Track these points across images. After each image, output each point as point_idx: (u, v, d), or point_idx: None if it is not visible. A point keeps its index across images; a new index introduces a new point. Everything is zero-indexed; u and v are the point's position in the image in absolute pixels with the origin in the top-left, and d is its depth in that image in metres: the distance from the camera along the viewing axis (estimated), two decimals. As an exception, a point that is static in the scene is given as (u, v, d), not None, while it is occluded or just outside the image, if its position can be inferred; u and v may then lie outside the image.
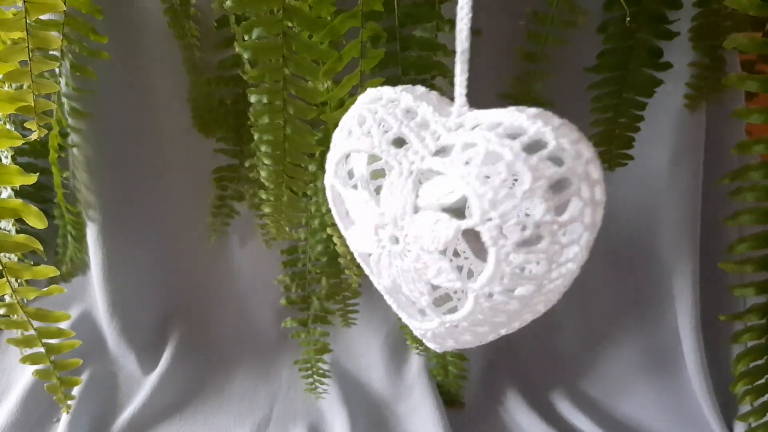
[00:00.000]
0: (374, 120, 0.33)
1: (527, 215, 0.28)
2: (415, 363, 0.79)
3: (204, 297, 0.86)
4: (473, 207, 0.28)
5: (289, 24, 0.47)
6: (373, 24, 0.47)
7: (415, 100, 0.33)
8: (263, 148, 0.54)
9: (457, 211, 0.31)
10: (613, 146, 0.65)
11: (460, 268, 0.37)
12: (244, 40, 0.48)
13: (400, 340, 0.76)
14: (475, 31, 0.56)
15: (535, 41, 0.59)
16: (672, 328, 0.76)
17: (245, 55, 0.49)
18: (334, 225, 0.59)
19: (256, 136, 0.54)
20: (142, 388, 0.77)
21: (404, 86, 0.35)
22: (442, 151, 0.31)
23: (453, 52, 0.54)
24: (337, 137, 0.36)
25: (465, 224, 0.29)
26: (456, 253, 0.41)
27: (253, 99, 0.51)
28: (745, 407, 0.55)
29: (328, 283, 0.71)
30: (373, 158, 0.35)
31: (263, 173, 0.57)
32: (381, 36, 0.49)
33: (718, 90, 0.65)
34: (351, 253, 0.64)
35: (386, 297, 0.38)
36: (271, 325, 0.84)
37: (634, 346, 0.79)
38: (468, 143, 0.29)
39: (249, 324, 0.85)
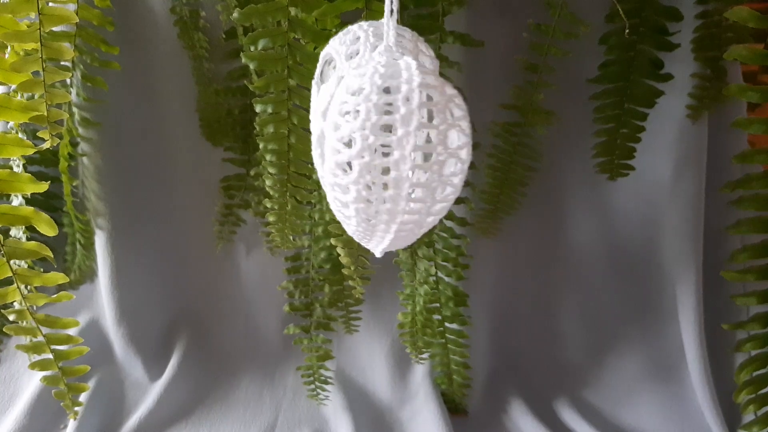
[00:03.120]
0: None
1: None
2: (419, 371, 0.80)
3: (210, 304, 0.87)
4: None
5: (294, 35, 0.49)
6: (377, 36, 0.48)
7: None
8: (268, 157, 0.55)
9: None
10: (615, 156, 0.65)
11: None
12: (250, 51, 0.49)
13: (404, 348, 0.76)
14: (478, 42, 0.57)
15: (537, 52, 0.60)
16: (675, 337, 0.76)
17: (251, 66, 0.50)
18: (337, 234, 0.60)
19: (261, 145, 0.55)
20: (148, 395, 0.78)
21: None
22: None
23: (456, 63, 0.56)
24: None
25: None
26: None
27: (258, 109, 0.52)
28: (748, 416, 0.55)
29: (331, 290, 0.72)
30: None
31: (268, 182, 0.58)
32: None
33: (720, 100, 0.66)
34: (354, 263, 0.64)
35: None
36: (277, 332, 0.84)
37: (638, 355, 0.79)
38: None
39: (255, 331, 0.86)
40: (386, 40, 0.38)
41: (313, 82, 0.43)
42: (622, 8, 0.55)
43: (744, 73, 0.69)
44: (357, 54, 0.40)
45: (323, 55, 0.42)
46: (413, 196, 0.37)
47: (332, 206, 0.41)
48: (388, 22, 0.39)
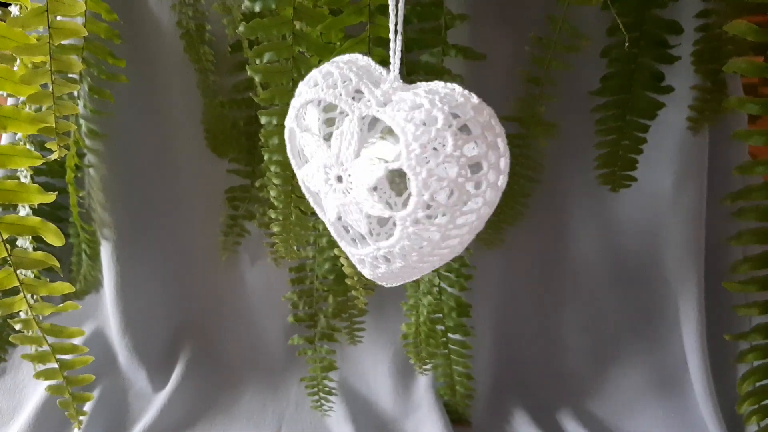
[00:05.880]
0: (339, 74, 0.38)
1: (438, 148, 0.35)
2: (422, 382, 0.80)
3: (215, 315, 0.87)
4: (401, 141, 0.35)
5: (299, 49, 0.49)
6: (380, 50, 0.49)
7: (370, 62, 0.41)
8: (273, 168, 0.56)
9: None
10: (616, 168, 0.66)
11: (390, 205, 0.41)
12: (256, 64, 0.50)
13: (407, 359, 0.76)
14: (480, 55, 0.58)
15: (539, 65, 0.60)
16: (678, 347, 0.76)
17: (256, 78, 0.51)
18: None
19: (266, 157, 0.55)
20: (152, 405, 0.78)
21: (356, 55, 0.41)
22: (387, 104, 0.37)
23: (458, 76, 0.56)
24: (303, 87, 0.41)
25: (391, 165, 0.36)
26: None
27: (263, 120, 0.53)
28: (751, 427, 0.55)
29: (335, 300, 0.72)
30: (328, 108, 0.41)
31: (272, 192, 0.58)
32: (387, 61, 0.50)
33: (721, 112, 0.66)
34: (358, 273, 0.65)
35: (331, 229, 0.44)
36: (280, 343, 0.84)
37: (641, 366, 0.79)
38: (401, 98, 0.37)
39: (259, 342, 0.86)
40: (393, 70, 0.39)
41: (291, 132, 0.43)
42: (623, 22, 0.56)
43: (744, 85, 0.69)
44: (353, 95, 0.38)
45: (297, 105, 0.41)
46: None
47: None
48: (395, 52, 0.39)
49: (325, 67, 0.40)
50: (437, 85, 0.38)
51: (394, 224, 0.38)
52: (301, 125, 0.42)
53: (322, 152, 0.40)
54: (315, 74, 0.40)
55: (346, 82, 0.38)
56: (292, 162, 0.45)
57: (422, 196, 0.35)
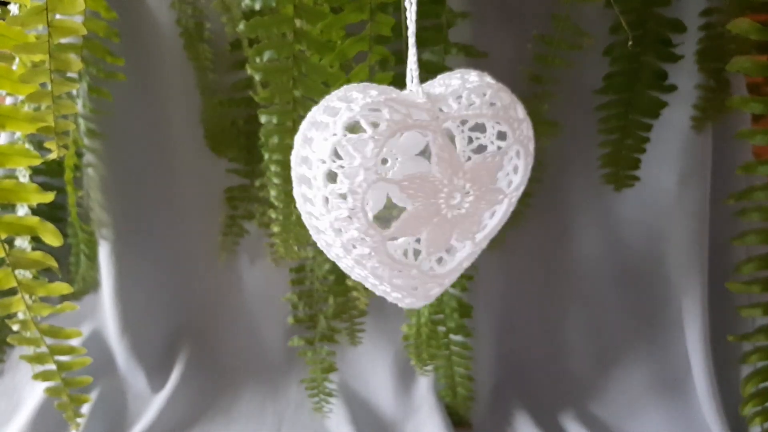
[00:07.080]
0: (386, 106, 0.35)
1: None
2: (423, 383, 0.79)
3: (213, 316, 0.87)
4: (506, 125, 0.39)
5: (300, 47, 0.49)
6: (381, 48, 0.48)
7: (383, 88, 0.38)
8: (273, 168, 0.55)
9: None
10: (619, 167, 0.65)
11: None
12: (255, 63, 0.50)
13: (408, 361, 0.76)
14: (482, 54, 0.57)
15: (541, 63, 0.60)
16: (681, 348, 0.75)
17: (256, 77, 0.50)
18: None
19: (266, 156, 0.55)
20: (151, 407, 0.77)
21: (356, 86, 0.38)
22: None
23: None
24: (355, 132, 0.35)
25: (504, 150, 0.39)
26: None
27: (263, 119, 0.52)
28: (755, 429, 0.55)
29: (335, 301, 0.71)
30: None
31: (272, 192, 0.58)
32: (389, 59, 0.50)
33: (724, 111, 0.66)
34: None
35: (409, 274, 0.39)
36: (280, 344, 0.84)
37: (643, 367, 0.79)
38: (452, 96, 0.37)
39: (258, 343, 0.86)
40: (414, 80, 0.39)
41: (368, 184, 0.35)
42: (626, 20, 0.55)
43: (749, 84, 0.69)
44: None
45: (376, 153, 0.34)
46: None
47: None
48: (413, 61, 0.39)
49: (358, 104, 0.35)
50: (451, 76, 0.39)
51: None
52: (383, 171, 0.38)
53: (431, 187, 0.36)
54: (349, 114, 0.34)
55: (402, 110, 0.35)
56: (373, 228, 0.36)
57: (528, 166, 0.40)
